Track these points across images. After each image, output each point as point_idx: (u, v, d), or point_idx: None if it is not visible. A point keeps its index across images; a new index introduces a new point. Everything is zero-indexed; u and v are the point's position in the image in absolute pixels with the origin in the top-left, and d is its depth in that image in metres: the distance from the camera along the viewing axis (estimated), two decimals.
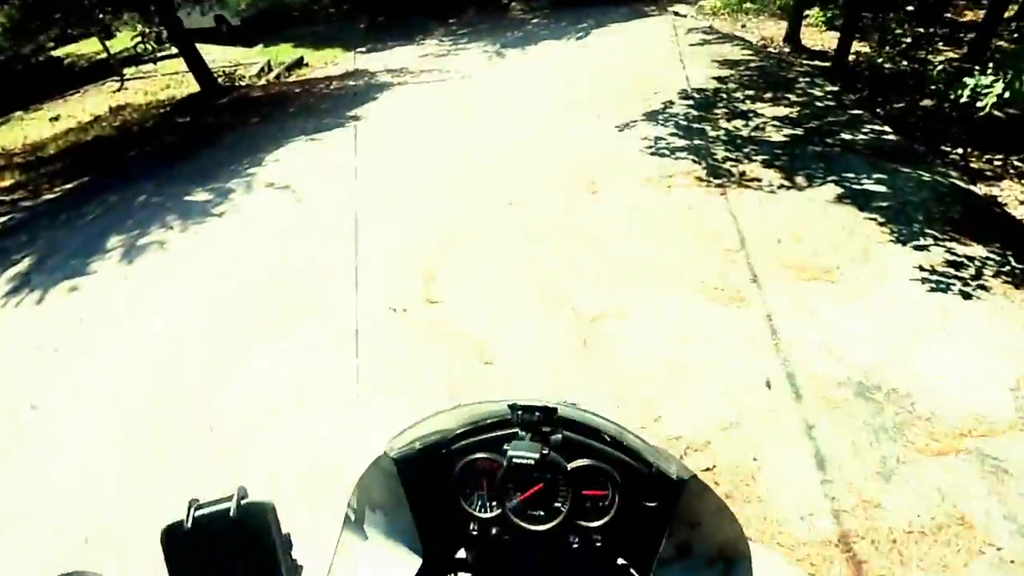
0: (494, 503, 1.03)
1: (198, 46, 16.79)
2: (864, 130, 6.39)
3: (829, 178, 5.41)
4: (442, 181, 6.30)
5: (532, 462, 0.96)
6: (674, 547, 0.99)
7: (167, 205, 6.96)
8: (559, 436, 1.00)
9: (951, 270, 4.15)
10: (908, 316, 3.75)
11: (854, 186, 5.25)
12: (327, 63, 13.81)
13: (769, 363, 3.48)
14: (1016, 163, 6.13)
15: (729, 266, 4.37)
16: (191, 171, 7.81)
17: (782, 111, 7.00)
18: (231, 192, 6.92)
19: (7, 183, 9.00)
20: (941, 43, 8.67)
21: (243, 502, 0.71)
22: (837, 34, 12.31)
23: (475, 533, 1.03)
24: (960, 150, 6.48)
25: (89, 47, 16.88)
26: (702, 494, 0.98)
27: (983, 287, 3.99)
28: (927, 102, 7.68)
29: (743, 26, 12.90)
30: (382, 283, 4.74)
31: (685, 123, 6.80)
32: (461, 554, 1.10)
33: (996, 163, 6.16)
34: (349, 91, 10.69)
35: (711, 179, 5.58)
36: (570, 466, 0.99)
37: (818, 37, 11.74)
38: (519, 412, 1.01)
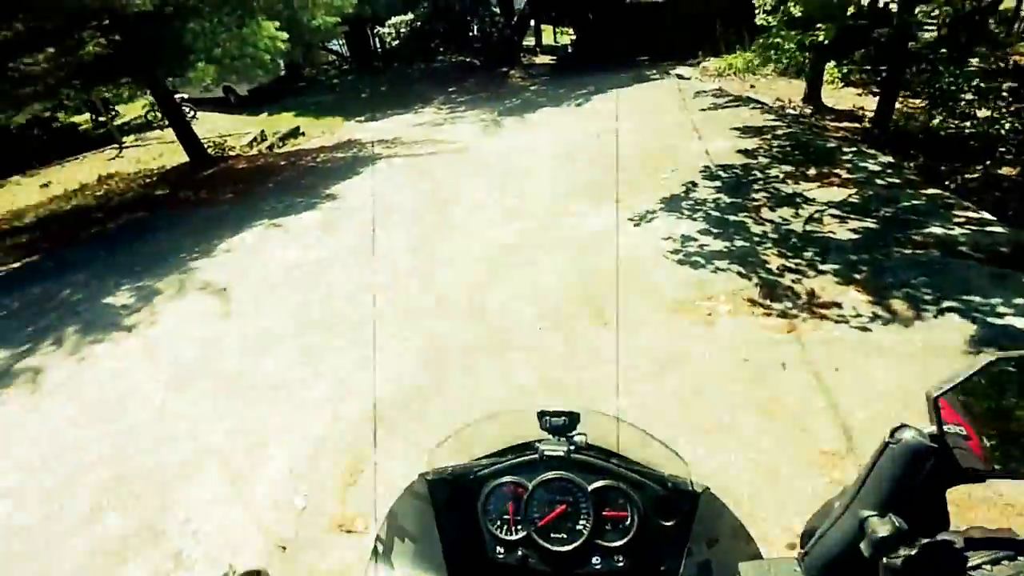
0: (519, 526, 0.93)
1: (207, 114, 15.46)
2: (957, 219, 4.35)
3: (944, 304, 3.35)
4: (405, 297, 4.33)
5: (561, 453, 0.94)
6: (695, 565, 0.88)
7: (79, 309, 5.05)
8: (583, 437, 0.97)
9: None
10: None
11: (991, 319, 3.17)
12: (324, 132, 12.16)
13: None
14: None
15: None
16: (135, 259, 5.96)
17: (836, 193, 5.01)
18: (157, 294, 5.00)
19: None
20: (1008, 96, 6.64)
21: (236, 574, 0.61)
22: (856, 90, 10.59)
23: (501, 557, 0.93)
24: None
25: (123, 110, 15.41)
26: (718, 509, 0.92)
27: None
28: (1007, 170, 5.67)
29: (752, 87, 11.16)
30: (277, 485, 2.72)
31: (717, 213, 4.80)
32: None
33: None
34: (335, 164, 8.91)
35: (768, 303, 3.56)
36: (591, 487, 0.92)
37: (837, 95, 9.92)
38: (547, 418, 0.98)
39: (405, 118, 12.15)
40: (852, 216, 4.56)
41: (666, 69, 12.61)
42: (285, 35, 7.60)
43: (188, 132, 10.03)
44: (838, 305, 3.49)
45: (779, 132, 6.89)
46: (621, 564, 0.90)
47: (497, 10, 16.65)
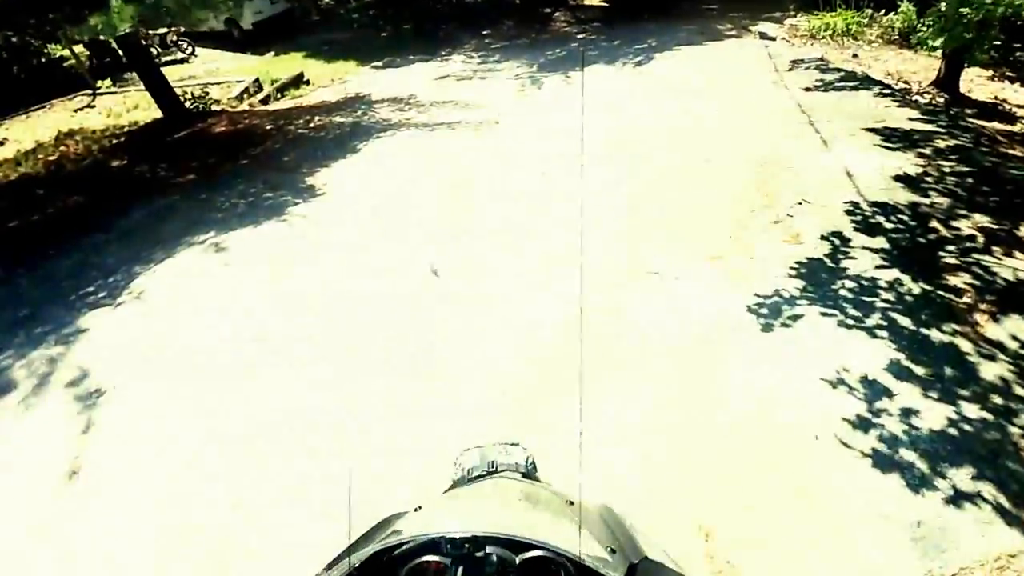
0: None
1: (206, 51, 13.08)
2: None
3: None
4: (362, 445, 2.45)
5: None
6: None
7: None
8: (493, 557, 0.78)
9: None
10: None
11: None
12: (333, 80, 9.86)
13: None
14: None
15: None
16: (23, 296, 4.03)
17: None
18: (7, 392, 3.15)
19: None
20: None
21: None
22: (981, 73, 7.94)
23: None
24: None
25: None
26: (656, 570, 0.81)
27: None
28: None
29: (855, 56, 8.53)
30: None
31: (905, 320, 2.68)
32: None
33: None
34: (330, 132, 6.77)
35: None
36: (519, 558, 0.77)
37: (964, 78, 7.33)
38: (448, 546, 0.80)
39: (428, 67, 9.77)
40: None
41: (744, 24, 9.84)
42: None
43: (160, 84, 7.86)
44: None
45: (939, 143, 4.55)
46: None
47: None
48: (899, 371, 2.39)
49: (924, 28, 4.53)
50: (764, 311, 2.81)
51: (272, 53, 12.21)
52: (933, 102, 6.46)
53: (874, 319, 2.68)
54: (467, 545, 0.79)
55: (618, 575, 0.73)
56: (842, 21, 9.29)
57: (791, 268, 3.10)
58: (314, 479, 2.28)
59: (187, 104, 8.21)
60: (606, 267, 3.36)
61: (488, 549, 0.78)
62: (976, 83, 7.31)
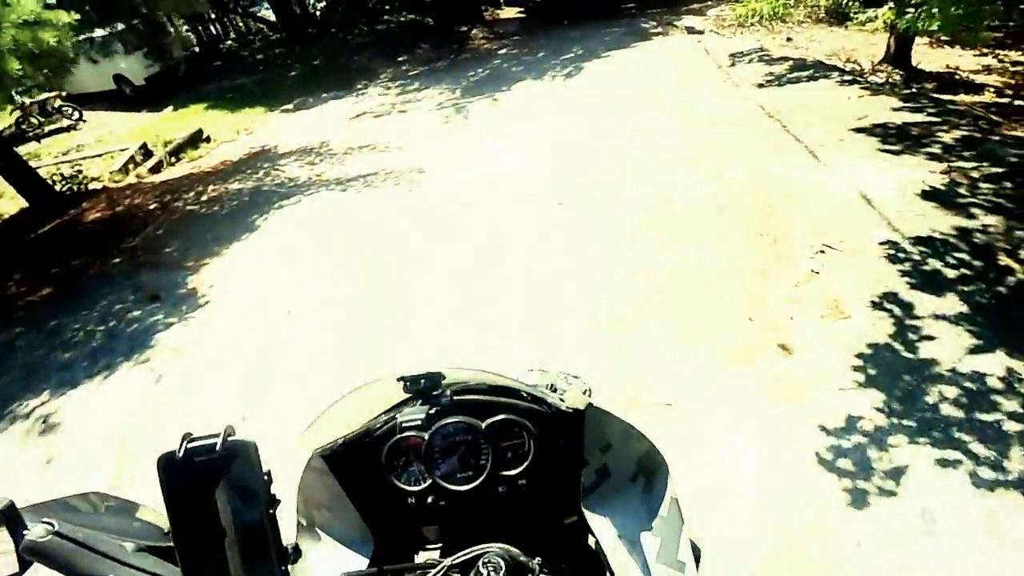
0: (424, 476, 0.85)
1: (95, 114, 11.20)
2: None
3: None
4: None
5: (419, 421, 0.83)
6: (594, 472, 0.83)
7: None
8: (447, 397, 0.85)
9: None
10: None
11: None
12: (238, 133, 8.34)
13: None
14: None
15: None
16: None
17: None
18: None
19: None
20: None
21: (229, 439, 0.55)
22: (919, 40, 7.30)
23: (413, 505, 0.85)
24: None
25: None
26: (604, 418, 0.84)
27: None
28: None
29: (789, 40, 7.84)
30: None
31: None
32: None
33: None
34: (225, 206, 5.36)
35: None
36: (484, 424, 0.84)
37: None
38: (407, 383, 0.85)
39: (342, 104, 8.45)
40: None
41: (667, 20, 8.97)
42: (68, 16, 3.87)
43: (17, 167, 6.23)
44: None
45: (943, 137, 3.63)
46: (524, 486, 0.84)
47: None
48: None
49: (911, 12, 3.61)
50: (846, 465, 1.73)
51: (171, 108, 10.54)
52: (890, 80, 5.73)
53: (1017, 460, 1.64)
54: (423, 381, 0.82)
55: (571, 409, 0.79)
56: (767, 5, 8.52)
57: (853, 368, 2.04)
58: None
59: (58, 186, 6.57)
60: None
61: (456, 417, 0.82)
62: (920, 53, 6.60)
